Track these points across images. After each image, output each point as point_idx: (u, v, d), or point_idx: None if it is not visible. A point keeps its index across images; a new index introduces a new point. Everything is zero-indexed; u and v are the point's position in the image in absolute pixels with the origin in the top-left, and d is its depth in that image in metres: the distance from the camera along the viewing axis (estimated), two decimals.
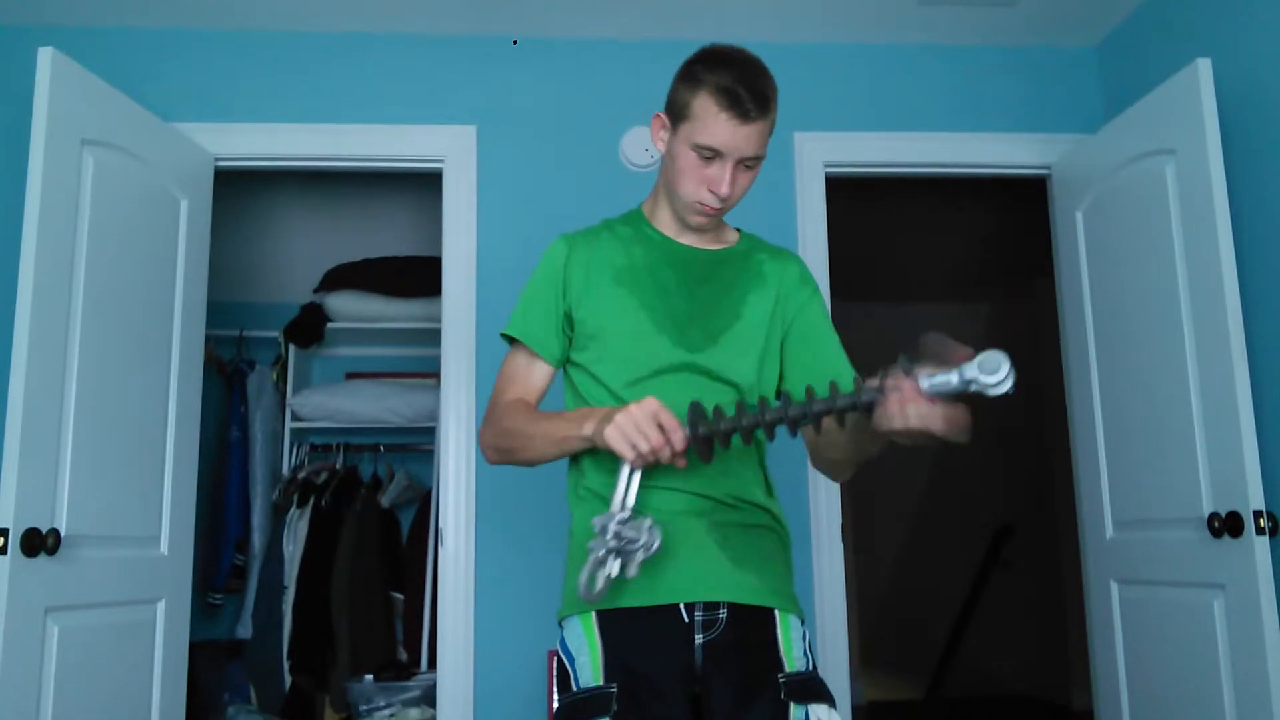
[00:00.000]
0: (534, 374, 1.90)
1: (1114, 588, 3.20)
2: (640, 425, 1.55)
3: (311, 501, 4.44)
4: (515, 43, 3.52)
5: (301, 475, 4.58)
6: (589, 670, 1.69)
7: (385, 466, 4.82)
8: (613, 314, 1.85)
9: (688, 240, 1.92)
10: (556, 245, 1.93)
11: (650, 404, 1.57)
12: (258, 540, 4.63)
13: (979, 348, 1.43)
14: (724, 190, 1.78)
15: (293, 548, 4.37)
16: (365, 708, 3.97)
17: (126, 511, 2.92)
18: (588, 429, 1.67)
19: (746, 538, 1.81)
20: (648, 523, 1.58)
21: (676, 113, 1.80)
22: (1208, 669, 2.73)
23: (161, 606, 3.03)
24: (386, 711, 3.98)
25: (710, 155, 1.76)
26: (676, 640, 1.71)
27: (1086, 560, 3.38)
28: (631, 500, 1.59)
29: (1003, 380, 1.38)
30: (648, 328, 1.83)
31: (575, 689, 1.69)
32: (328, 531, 4.38)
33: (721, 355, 1.85)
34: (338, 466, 4.68)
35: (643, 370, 1.82)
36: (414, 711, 3.97)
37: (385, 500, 4.60)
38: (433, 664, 4.12)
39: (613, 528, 1.56)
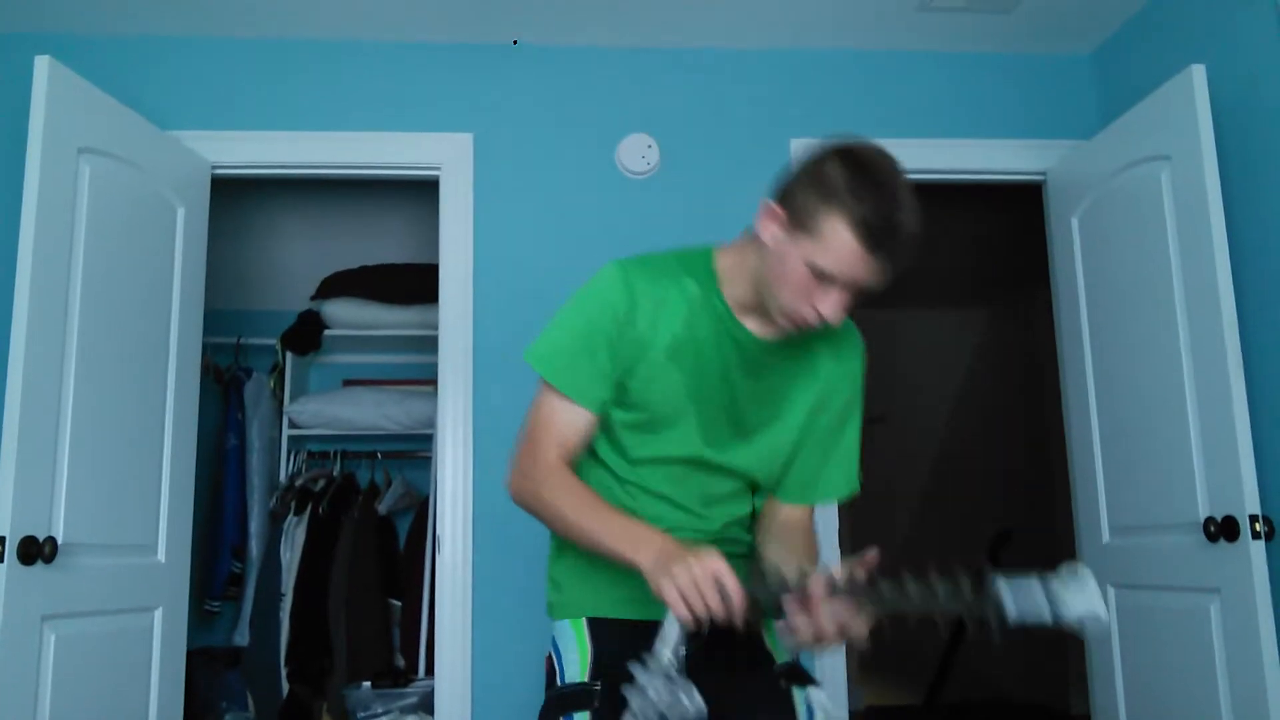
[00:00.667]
0: (576, 422, 1.73)
1: (1111, 592, 3.20)
2: (702, 588, 1.44)
3: (309, 509, 4.44)
4: (515, 43, 3.52)
5: (299, 483, 4.57)
6: (575, 668, 1.74)
7: (383, 473, 4.81)
8: (661, 393, 1.73)
9: (754, 324, 1.74)
10: (615, 286, 1.71)
11: (714, 564, 1.46)
12: (255, 548, 4.62)
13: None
14: (833, 318, 1.61)
15: (290, 555, 4.36)
16: (363, 715, 3.97)
17: (123, 519, 2.91)
18: (642, 560, 1.53)
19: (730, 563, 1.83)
20: (694, 693, 1.47)
21: (798, 220, 1.57)
22: (1204, 673, 2.73)
23: (158, 614, 3.03)
24: (384, 718, 3.97)
25: (828, 280, 1.57)
26: None
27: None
28: (671, 656, 1.48)
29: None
30: (688, 421, 1.74)
31: (560, 684, 1.74)
32: (325, 539, 4.38)
33: (744, 453, 1.78)
34: (335, 474, 4.68)
35: (656, 455, 1.76)
36: (411, 718, 3.96)
37: (382, 507, 4.59)
38: (430, 671, 4.11)
39: (660, 697, 1.45)
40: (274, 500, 4.62)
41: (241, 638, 4.47)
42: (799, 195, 1.57)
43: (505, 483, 1.77)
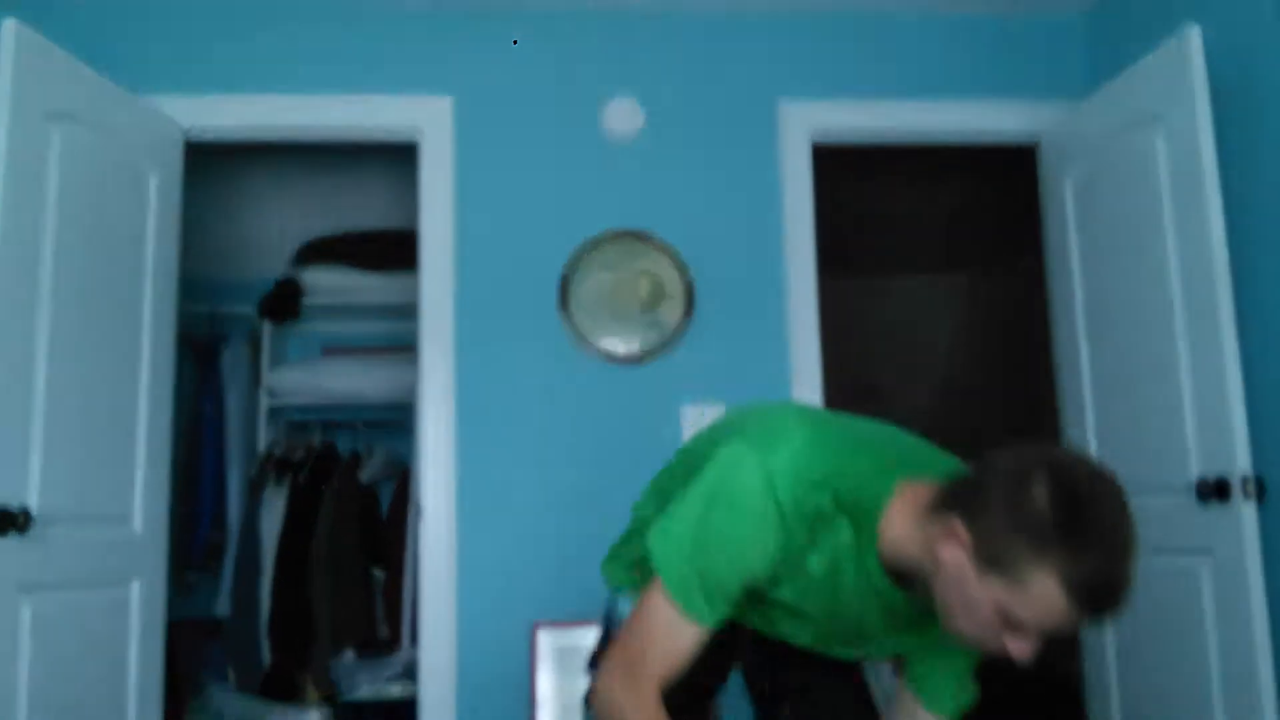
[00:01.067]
0: (689, 641, 1.55)
1: None
2: None
3: (289, 478, 4.39)
4: (515, 42, 3.44)
5: (278, 452, 4.52)
6: None
7: (363, 442, 4.76)
8: (786, 612, 1.61)
9: (903, 586, 1.55)
10: (767, 517, 1.47)
11: None
12: (234, 518, 4.57)
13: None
14: (1020, 660, 1.39)
15: (270, 525, 4.32)
16: (347, 685, 3.95)
17: (99, 490, 2.87)
18: None
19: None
20: None
21: (994, 558, 1.30)
22: (1195, 635, 2.73)
23: (136, 585, 2.99)
24: (369, 688, 3.96)
25: (1022, 629, 1.36)
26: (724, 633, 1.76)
27: None
28: None
29: None
30: (804, 626, 1.65)
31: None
32: (305, 508, 4.34)
33: (852, 650, 1.73)
34: (315, 443, 4.63)
35: (756, 627, 1.70)
36: (396, 688, 3.95)
37: (364, 476, 4.55)
38: (414, 640, 4.09)
39: None
40: (253, 470, 4.57)
41: (222, 609, 4.43)
42: (996, 528, 1.30)
43: (596, 684, 1.63)
